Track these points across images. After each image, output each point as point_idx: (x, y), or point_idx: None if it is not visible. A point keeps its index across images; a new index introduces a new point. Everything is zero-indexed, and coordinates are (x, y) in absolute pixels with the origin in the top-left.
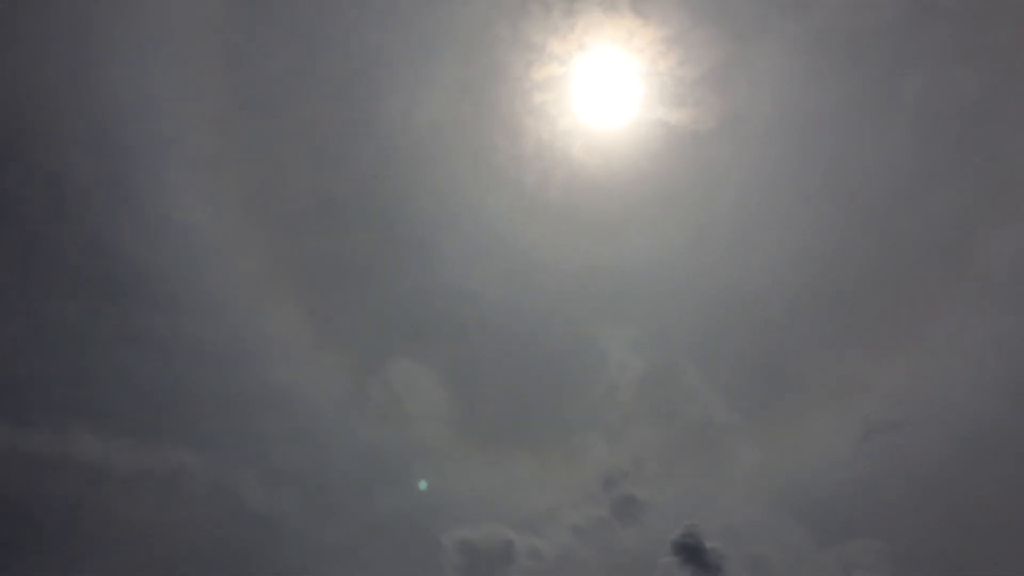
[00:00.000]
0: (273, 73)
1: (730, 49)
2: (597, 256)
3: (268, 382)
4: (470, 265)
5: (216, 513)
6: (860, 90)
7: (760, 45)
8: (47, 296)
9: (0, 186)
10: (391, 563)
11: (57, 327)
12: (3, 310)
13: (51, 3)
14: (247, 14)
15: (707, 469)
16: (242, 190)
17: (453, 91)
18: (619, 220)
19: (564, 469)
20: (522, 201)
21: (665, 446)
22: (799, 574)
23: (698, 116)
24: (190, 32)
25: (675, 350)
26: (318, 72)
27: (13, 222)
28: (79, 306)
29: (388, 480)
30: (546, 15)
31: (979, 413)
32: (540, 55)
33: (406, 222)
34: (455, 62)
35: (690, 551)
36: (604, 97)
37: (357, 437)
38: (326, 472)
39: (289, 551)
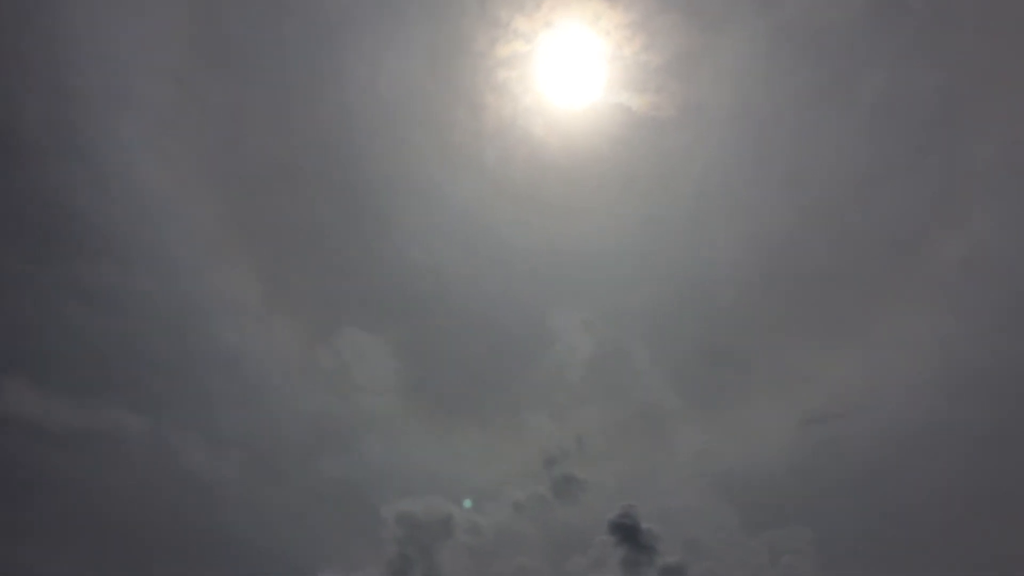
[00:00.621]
0: (237, 30)
1: (694, 38)
2: (553, 236)
3: (216, 343)
4: (427, 238)
5: (156, 475)
6: (820, 86)
7: (724, 36)
8: None
9: None
10: (332, 531)
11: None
12: None
13: None
14: None
15: (648, 451)
16: (199, 146)
17: (417, 62)
18: (576, 201)
19: (508, 445)
20: (481, 177)
21: (609, 427)
22: (730, 557)
23: (659, 103)
24: None
25: (625, 333)
26: (283, 32)
27: None
28: (23, 255)
29: (332, 448)
30: None
31: (915, 410)
32: (505, 31)
33: (365, 190)
34: (421, 32)
35: (626, 531)
36: (567, 78)
37: (303, 404)
38: (270, 438)
39: (228, 515)
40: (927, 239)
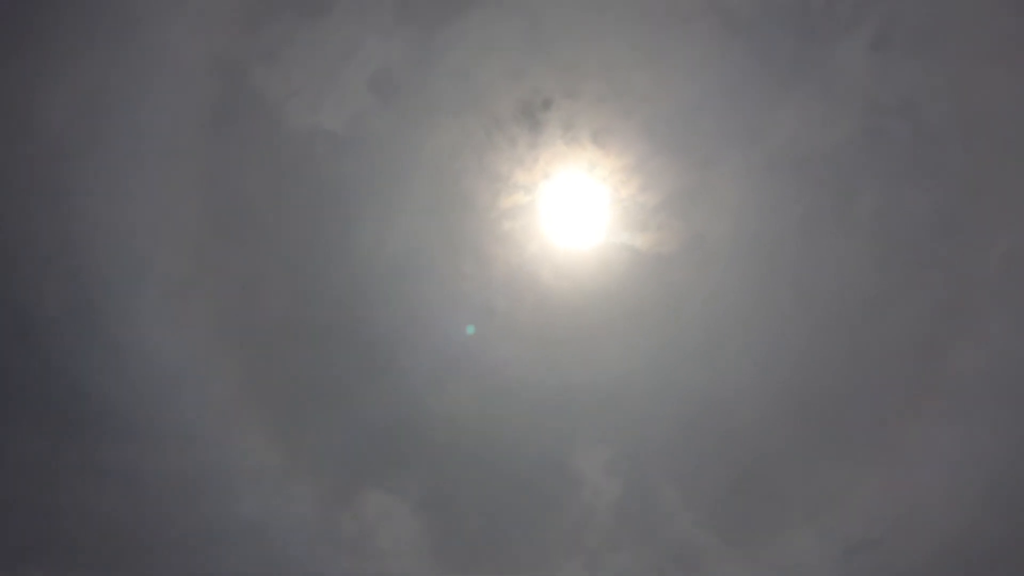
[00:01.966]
0: (247, 201)
1: (688, 176)
2: (569, 377)
3: (235, 515)
4: (442, 389)
5: None
6: (816, 210)
7: (716, 172)
8: (7, 428)
9: None
10: None
11: (17, 461)
12: None
13: (23, 126)
14: (222, 142)
15: None
16: (213, 316)
17: (423, 219)
18: (589, 341)
19: None
20: (493, 324)
21: (645, 572)
22: None
23: (662, 239)
24: (165, 158)
25: (650, 470)
26: (291, 199)
27: None
28: (41, 439)
29: None
30: (511, 147)
31: (958, 527)
32: (506, 185)
33: (378, 346)
34: (424, 191)
35: None
36: (570, 224)
37: (328, 574)
38: None
39: None
40: (943, 351)
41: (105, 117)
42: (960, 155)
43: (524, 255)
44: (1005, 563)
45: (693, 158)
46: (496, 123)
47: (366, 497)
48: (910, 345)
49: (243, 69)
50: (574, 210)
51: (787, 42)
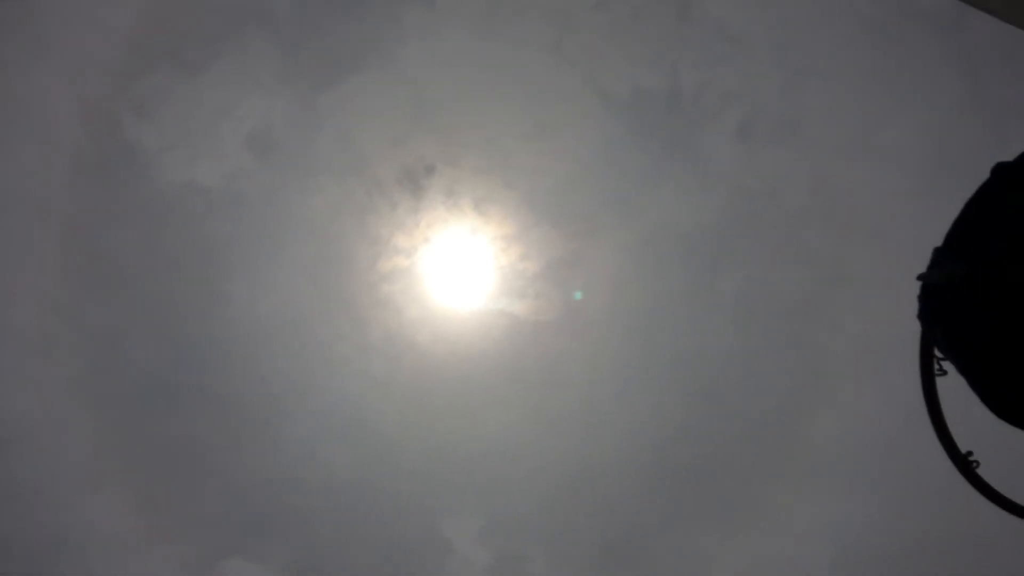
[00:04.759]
0: (114, 255)
1: (567, 247)
2: (445, 442)
3: None
4: (315, 453)
5: None
6: (685, 285)
7: (594, 245)
8: None
9: None
10: None
11: None
12: None
13: None
14: (90, 194)
15: None
16: (73, 372)
17: (300, 280)
18: (465, 406)
19: None
20: (369, 388)
21: None
22: None
23: (539, 307)
24: (26, 209)
25: (522, 539)
26: (161, 255)
27: None
28: None
29: None
30: (392, 211)
31: None
32: (386, 248)
33: (250, 408)
34: (301, 252)
35: None
36: (449, 289)
37: None
38: None
39: None
40: (800, 423)
41: None
42: (817, 240)
43: (403, 319)
44: None
45: (572, 230)
46: (378, 186)
47: (230, 564)
48: (770, 414)
49: (115, 120)
50: (454, 275)
51: (660, 125)
